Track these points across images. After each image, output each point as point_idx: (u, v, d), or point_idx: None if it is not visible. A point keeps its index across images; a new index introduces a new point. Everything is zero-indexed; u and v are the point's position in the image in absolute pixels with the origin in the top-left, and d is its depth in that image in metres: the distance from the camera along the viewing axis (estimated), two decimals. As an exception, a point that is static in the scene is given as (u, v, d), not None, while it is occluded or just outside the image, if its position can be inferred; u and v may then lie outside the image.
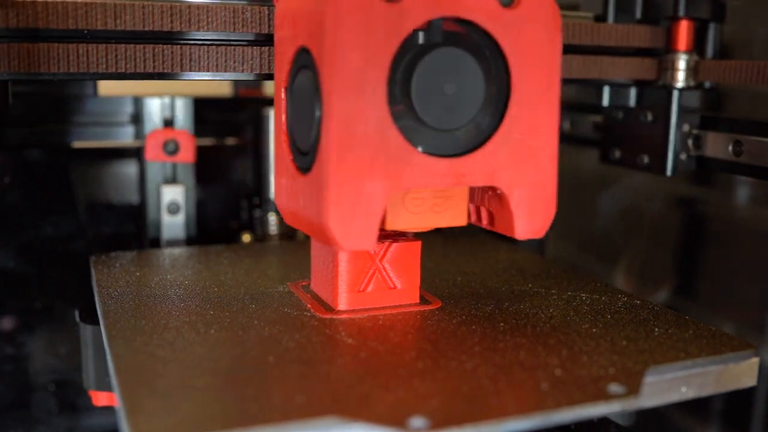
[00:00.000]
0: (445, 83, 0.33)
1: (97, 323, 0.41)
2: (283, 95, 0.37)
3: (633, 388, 0.31)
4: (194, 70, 0.40)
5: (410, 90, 0.33)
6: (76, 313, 0.44)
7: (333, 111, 0.32)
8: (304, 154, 0.35)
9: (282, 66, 0.37)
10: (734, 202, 0.62)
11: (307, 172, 0.35)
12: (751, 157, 0.47)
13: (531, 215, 0.36)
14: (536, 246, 0.68)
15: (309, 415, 0.28)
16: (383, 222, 0.36)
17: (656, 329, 0.38)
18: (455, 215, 0.37)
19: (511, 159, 0.35)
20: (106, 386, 0.43)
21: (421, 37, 0.33)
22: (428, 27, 0.33)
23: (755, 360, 0.35)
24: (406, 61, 0.33)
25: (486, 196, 0.38)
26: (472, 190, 0.38)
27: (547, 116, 0.36)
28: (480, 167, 0.35)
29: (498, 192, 0.36)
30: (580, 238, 0.76)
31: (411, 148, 0.33)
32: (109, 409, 0.45)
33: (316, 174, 0.33)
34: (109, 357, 0.34)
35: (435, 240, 0.55)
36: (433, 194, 0.37)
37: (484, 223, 0.38)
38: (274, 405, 0.29)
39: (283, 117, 0.37)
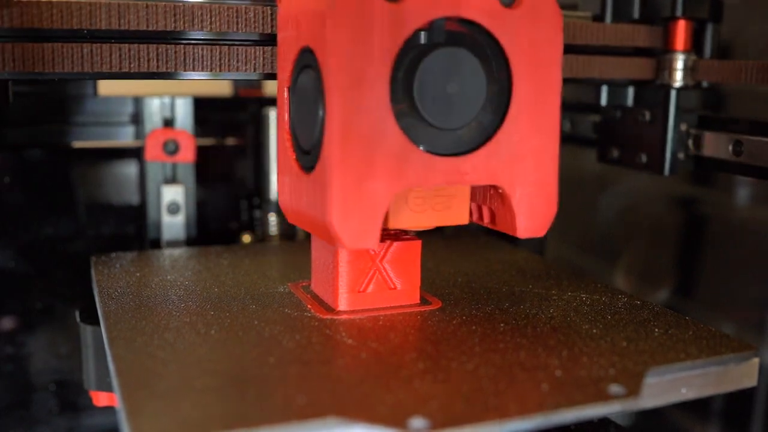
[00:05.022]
0: (447, 83, 0.33)
1: (98, 324, 0.41)
2: (286, 94, 0.37)
3: (633, 389, 0.31)
4: (197, 70, 0.40)
5: (412, 89, 0.33)
6: (77, 314, 0.44)
7: (336, 110, 0.32)
8: (307, 153, 0.35)
9: (285, 66, 0.37)
10: (734, 202, 0.62)
11: (310, 171, 0.35)
12: (752, 158, 0.47)
13: (532, 214, 0.36)
14: (536, 246, 0.68)
15: (309, 415, 0.28)
16: (386, 221, 0.36)
17: (656, 330, 0.38)
18: (457, 214, 0.38)
19: (513, 158, 0.35)
20: (106, 386, 0.43)
21: (423, 37, 0.33)
22: (430, 27, 0.33)
23: (755, 361, 0.35)
24: (409, 60, 0.33)
25: (488, 195, 0.38)
26: (474, 189, 0.39)
27: (549, 115, 0.36)
28: (482, 166, 0.35)
29: (499, 191, 0.36)
30: (580, 238, 0.76)
31: (413, 146, 0.34)
32: (110, 410, 0.45)
33: (320, 173, 0.34)
34: (109, 358, 0.34)
35: (435, 240, 0.55)
36: (436, 193, 0.37)
37: (486, 221, 0.39)
38: (274, 406, 0.29)
39: (286, 116, 0.38)
